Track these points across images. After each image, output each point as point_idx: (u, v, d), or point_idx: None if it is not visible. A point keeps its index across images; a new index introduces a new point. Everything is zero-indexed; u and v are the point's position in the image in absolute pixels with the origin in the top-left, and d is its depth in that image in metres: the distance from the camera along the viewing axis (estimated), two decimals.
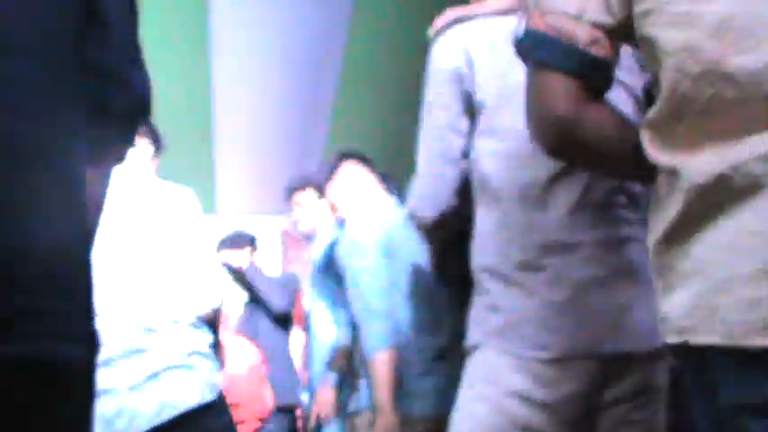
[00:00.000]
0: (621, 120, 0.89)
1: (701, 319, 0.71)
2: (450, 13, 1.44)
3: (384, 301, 1.98)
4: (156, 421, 1.89)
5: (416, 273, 2.00)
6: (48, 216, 0.73)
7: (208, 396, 1.94)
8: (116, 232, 1.93)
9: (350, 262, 2.05)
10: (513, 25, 1.36)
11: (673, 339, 0.75)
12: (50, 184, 0.74)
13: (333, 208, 2.44)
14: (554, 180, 1.25)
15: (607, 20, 0.84)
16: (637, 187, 1.31)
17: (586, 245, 1.23)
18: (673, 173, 0.75)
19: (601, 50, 0.85)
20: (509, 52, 1.28)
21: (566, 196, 1.25)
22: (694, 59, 0.73)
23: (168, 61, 3.32)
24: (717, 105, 0.72)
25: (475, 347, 1.29)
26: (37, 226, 0.71)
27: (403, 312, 1.99)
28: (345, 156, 2.44)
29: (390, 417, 1.89)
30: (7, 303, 0.67)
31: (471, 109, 1.34)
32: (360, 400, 2.11)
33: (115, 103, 0.88)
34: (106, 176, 0.92)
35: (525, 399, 1.21)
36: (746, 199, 0.69)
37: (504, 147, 1.28)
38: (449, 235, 1.44)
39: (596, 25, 0.85)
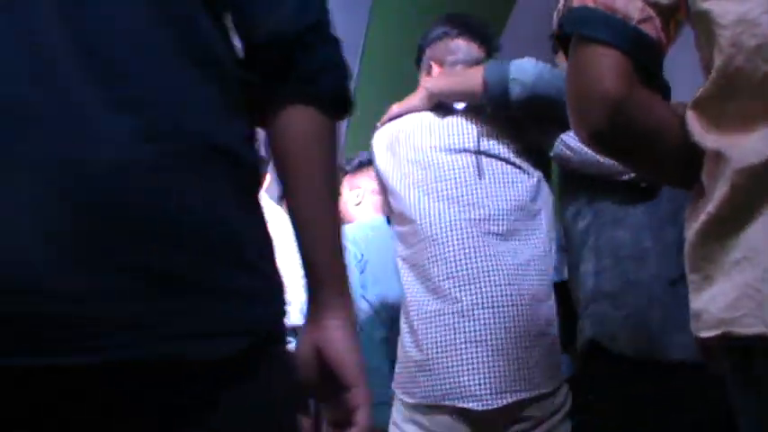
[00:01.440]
0: (672, 111, 0.81)
1: (748, 309, 0.65)
2: (391, 109, 1.74)
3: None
4: None
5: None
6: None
7: None
8: None
9: None
10: (423, 120, 1.68)
11: (709, 333, 0.69)
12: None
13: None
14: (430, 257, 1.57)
15: None
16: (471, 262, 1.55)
17: (447, 313, 1.52)
18: (719, 156, 0.70)
19: (652, 30, 0.79)
20: (406, 148, 1.65)
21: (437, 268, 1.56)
22: (750, 33, 0.69)
23: None
24: None
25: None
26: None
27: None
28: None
29: None
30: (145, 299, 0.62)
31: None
32: None
33: (260, 28, 0.76)
34: (310, 120, 0.78)
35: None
36: None
37: (407, 228, 1.62)
38: None
39: (649, 3, 0.79)
